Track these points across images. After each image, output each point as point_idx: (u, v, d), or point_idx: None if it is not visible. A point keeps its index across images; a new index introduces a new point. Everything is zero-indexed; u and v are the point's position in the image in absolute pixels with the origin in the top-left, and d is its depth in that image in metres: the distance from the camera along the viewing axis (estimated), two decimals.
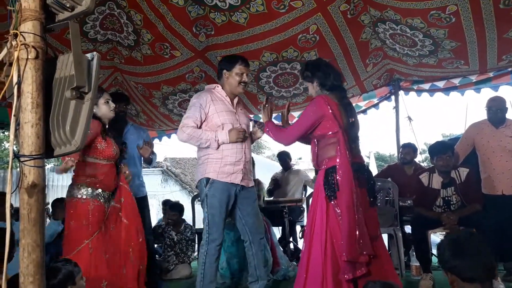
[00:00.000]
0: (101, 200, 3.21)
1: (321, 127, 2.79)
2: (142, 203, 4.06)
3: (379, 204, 4.15)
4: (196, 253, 5.16)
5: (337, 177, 2.65)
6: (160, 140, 6.74)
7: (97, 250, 3.10)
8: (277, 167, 6.63)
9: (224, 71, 3.25)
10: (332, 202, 2.66)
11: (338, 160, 2.68)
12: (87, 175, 3.20)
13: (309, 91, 3.05)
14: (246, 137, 3.18)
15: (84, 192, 3.18)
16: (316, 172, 6.26)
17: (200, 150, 3.22)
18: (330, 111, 2.74)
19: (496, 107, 4.22)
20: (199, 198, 6.19)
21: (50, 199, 6.27)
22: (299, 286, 2.70)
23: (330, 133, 2.74)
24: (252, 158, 3.86)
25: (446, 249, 1.75)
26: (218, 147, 3.10)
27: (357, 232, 2.57)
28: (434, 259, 4.54)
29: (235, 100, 3.31)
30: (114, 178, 3.35)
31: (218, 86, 3.28)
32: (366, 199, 2.76)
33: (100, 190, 3.21)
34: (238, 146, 3.16)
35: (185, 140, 3.15)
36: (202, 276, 3.06)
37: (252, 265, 3.26)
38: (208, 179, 3.12)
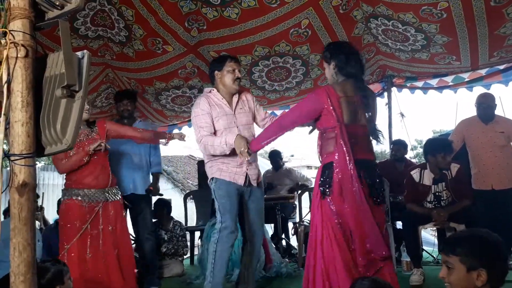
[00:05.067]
0: (77, 198, 3.25)
1: (322, 120, 2.65)
2: (145, 200, 4.09)
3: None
4: (188, 249, 5.13)
5: (334, 174, 2.51)
6: None
7: (79, 253, 3.16)
8: (269, 165, 6.61)
9: (216, 72, 3.24)
10: (328, 200, 2.54)
11: (336, 156, 2.52)
12: (66, 177, 3.39)
13: (326, 74, 2.84)
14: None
15: (62, 194, 3.38)
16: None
17: (204, 155, 3.26)
18: (330, 103, 2.57)
19: (485, 103, 4.27)
20: (191, 196, 6.19)
21: (44, 198, 6.27)
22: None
23: (330, 127, 2.59)
24: None
25: (494, 249, 1.60)
26: (228, 151, 3.01)
27: (365, 232, 2.47)
28: (425, 255, 4.60)
29: (234, 100, 3.26)
30: (96, 175, 3.36)
31: (213, 89, 3.25)
32: (369, 197, 2.57)
33: (75, 190, 3.26)
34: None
35: (202, 151, 3.20)
36: (212, 265, 3.00)
37: (243, 263, 3.26)
38: (213, 178, 3.17)
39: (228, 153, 3.03)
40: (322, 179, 2.60)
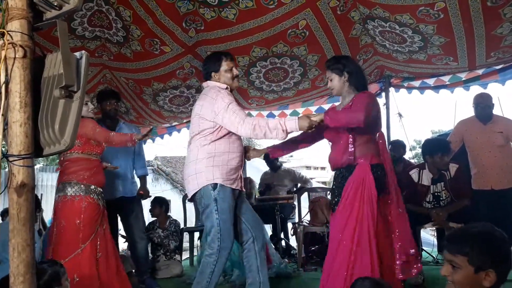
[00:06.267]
0: (95, 197, 3.19)
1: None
2: (135, 202, 4.10)
3: None
4: (177, 243, 5.02)
5: (387, 174, 2.76)
6: (153, 141, 6.85)
7: (92, 252, 3.10)
8: (266, 166, 6.58)
9: (213, 73, 3.02)
10: (382, 198, 2.73)
11: (382, 158, 2.79)
12: (79, 172, 3.19)
13: (332, 84, 2.91)
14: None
15: (77, 189, 3.16)
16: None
17: (199, 151, 2.91)
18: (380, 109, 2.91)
19: (483, 103, 4.29)
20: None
21: (42, 199, 6.24)
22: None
23: (376, 131, 2.86)
24: None
25: (502, 248, 1.54)
26: (285, 137, 2.81)
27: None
28: (424, 254, 4.60)
29: None
30: (103, 174, 3.35)
31: (227, 87, 3.00)
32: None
33: (93, 186, 3.19)
34: (240, 151, 2.98)
35: (249, 133, 2.78)
36: (208, 283, 2.84)
37: (254, 268, 2.99)
38: (216, 185, 2.85)
39: (281, 138, 2.81)
40: (377, 178, 2.70)
